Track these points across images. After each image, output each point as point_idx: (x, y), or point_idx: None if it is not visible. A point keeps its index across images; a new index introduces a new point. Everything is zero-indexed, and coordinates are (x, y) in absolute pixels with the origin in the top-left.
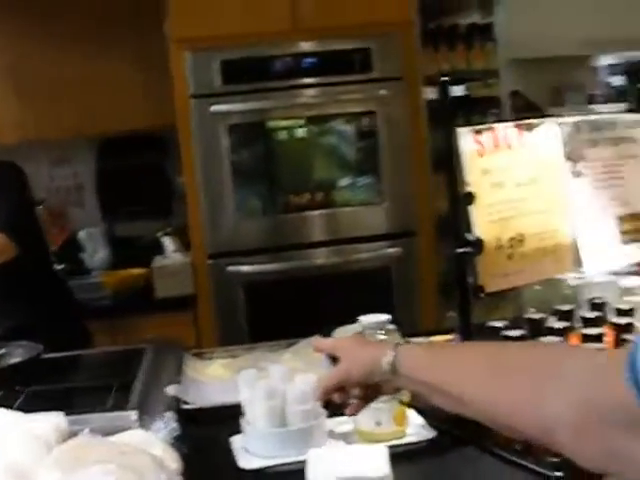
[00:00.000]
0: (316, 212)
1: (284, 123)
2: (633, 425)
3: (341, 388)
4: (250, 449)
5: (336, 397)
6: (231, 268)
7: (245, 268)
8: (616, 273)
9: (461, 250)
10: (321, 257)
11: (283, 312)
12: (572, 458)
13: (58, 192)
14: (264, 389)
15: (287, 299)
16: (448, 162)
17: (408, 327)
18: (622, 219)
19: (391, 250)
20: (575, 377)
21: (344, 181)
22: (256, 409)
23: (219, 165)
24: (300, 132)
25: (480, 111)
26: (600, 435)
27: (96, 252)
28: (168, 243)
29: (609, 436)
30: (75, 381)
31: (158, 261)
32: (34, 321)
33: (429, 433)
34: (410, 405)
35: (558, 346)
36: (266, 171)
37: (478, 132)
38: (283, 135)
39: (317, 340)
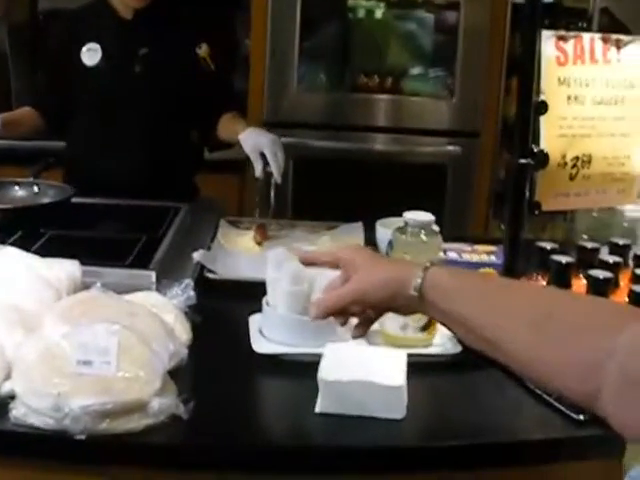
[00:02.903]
0: (382, 96)
1: (363, 1)
2: None
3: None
4: (266, 332)
5: (338, 318)
6: (285, 140)
7: (300, 142)
8: None
9: (523, 161)
10: (380, 143)
11: (331, 192)
12: (612, 424)
13: None
14: (291, 272)
15: (337, 180)
16: (525, 66)
17: (455, 230)
18: None
19: (451, 148)
20: (627, 352)
21: (416, 70)
22: (279, 292)
23: (290, 34)
24: (379, 13)
25: (566, 24)
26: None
27: None
28: None
29: None
30: (101, 231)
31: None
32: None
33: (455, 347)
34: None
35: (615, 311)
36: (337, 47)
37: (562, 39)
38: (361, 13)
39: (309, 252)
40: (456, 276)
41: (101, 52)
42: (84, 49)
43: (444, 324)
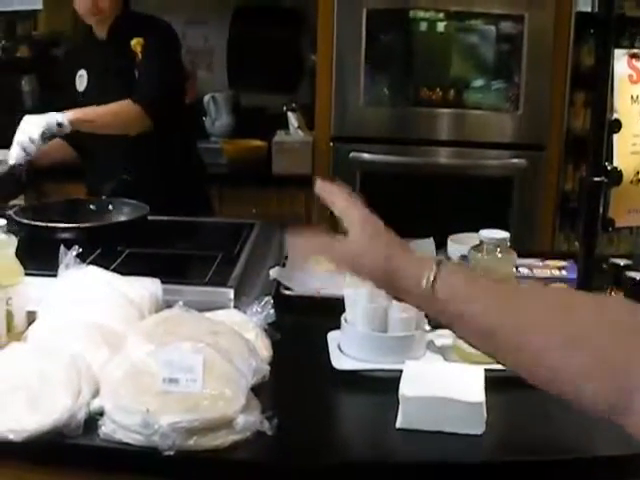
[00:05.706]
0: (445, 110)
1: (425, 14)
2: None
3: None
4: (345, 349)
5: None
6: (354, 154)
7: (367, 156)
8: None
9: (597, 179)
10: (444, 156)
11: (398, 206)
12: None
13: (188, 52)
14: (369, 290)
15: (404, 194)
16: (599, 84)
17: (522, 243)
18: None
19: (516, 161)
20: None
21: (478, 82)
22: (357, 309)
23: (355, 48)
24: (441, 26)
25: (629, 34)
26: None
27: (219, 118)
28: (293, 119)
29: None
30: (177, 248)
31: (280, 136)
32: (159, 182)
33: None
34: None
35: None
36: (400, 61)
37: (635, 56)
38: (423, 27)
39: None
40: (471, 278)
41: (87, 76)
42: (77, 76)
43: (447, 325)
